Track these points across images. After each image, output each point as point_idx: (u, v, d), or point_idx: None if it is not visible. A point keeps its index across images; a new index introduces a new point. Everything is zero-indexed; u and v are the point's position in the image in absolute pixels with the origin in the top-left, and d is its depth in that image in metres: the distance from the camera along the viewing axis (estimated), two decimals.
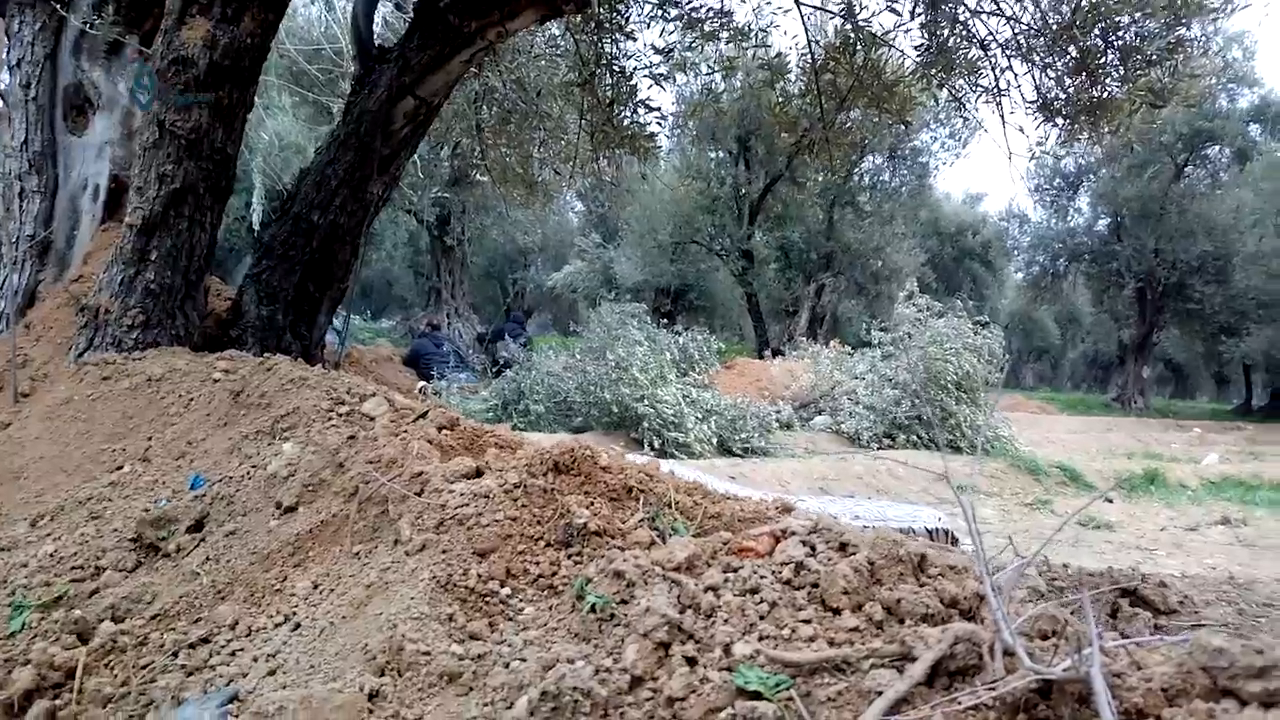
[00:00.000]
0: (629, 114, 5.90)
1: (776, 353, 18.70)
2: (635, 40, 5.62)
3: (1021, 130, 5.61)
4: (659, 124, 5.47)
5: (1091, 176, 22.82)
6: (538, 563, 1.57)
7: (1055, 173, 22.66)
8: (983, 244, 29.38)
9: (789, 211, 19.43)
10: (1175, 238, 20.75)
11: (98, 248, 4.29)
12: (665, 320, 18.77)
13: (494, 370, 13.97)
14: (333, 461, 2.31)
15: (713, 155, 19.53)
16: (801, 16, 5.05)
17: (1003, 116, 5.50)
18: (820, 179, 17.67)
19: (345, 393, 2.68)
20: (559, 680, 1.09)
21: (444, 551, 1.58)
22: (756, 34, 5.40)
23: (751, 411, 12.12)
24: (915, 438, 12.76)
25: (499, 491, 1.69)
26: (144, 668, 1.96)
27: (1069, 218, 24.05)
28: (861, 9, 4.87)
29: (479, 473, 1.85)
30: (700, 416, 11.47)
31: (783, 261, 20.08)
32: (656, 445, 10.63)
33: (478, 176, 7.95)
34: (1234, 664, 1.00)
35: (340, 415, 2.56)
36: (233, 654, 1.73)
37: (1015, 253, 27.17)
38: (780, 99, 5.35)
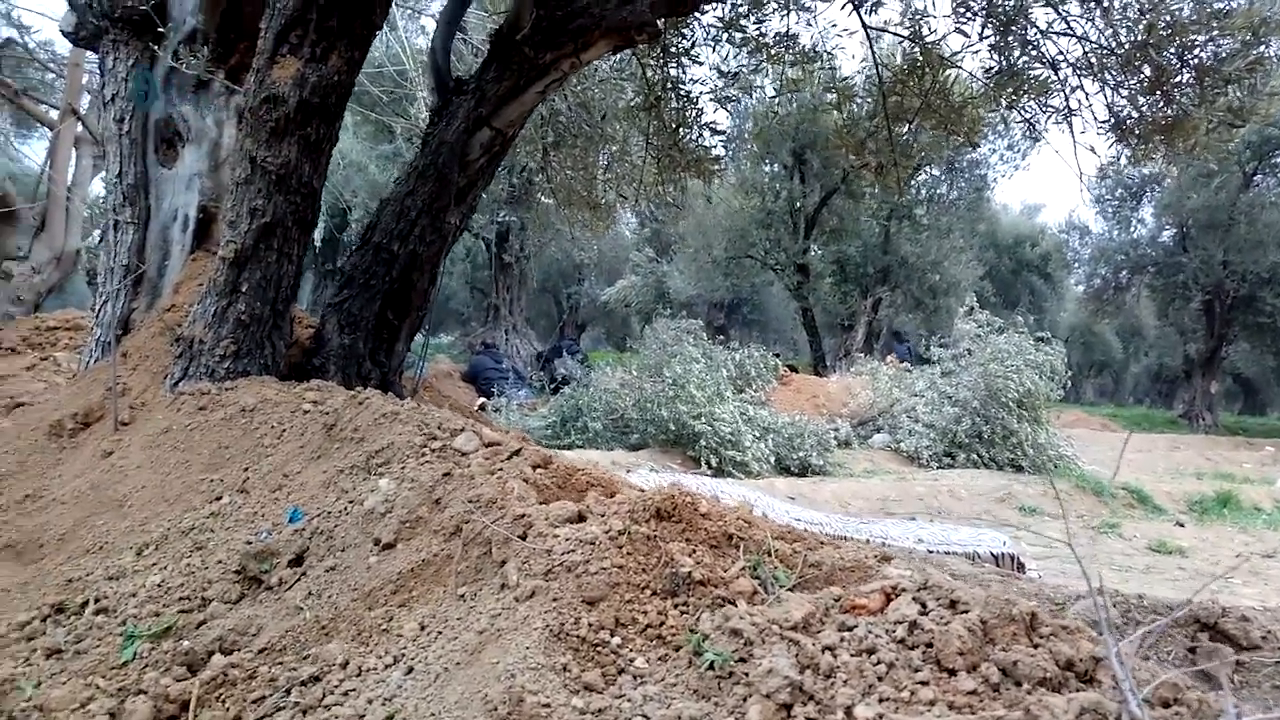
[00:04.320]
0: (694, 137, 5.95)
1: (819, 369, 18.60)
2: (701, 64, 5.67)
3: (1093, 150, 5.53)
4: (724, 145, 5.50)
5: (1155, 187, 22.31)
6: (645, 612, 1.61)
7: (1118, 183, 22.19)
8: (1041, 256, 28.89)
9: (845, 225, 19.32)
10: (1244, 248, 20.17)
11: (187, 277, 4.44)
12: (719, 335, 18.80)
13: (552, 387, 14.13)
14: (429, 499, 2.38)
15: (768, 169, 19.51)
16: (869, 39, 5.06)
17: (1074, 137, 5.43)
18: (877, 192, 17.56)
19: (437, 428, 2.75)
20: None
21: (554, 600, 1.62)
22: (823, 56, 5.42)
23: (809, 429, 12.07)
24: (976, 456, 12.59)
25: (604, 539, 1.73)
26: (254, 701, 2.03)
27: (1132, 229, 23.52)
28: (931, 31, 4.87)
29: (581, 517, 1.90)
30: (758, 435, 11.45)
31: (838, 276, 19.95)
32: (714, 464, 10.64)
33: (542, 199, 8.06)
34: None
35: (433, 451, 2.63)
36: (345, 694, 1.79)
37: (1076, 265, 26.64)
38: (847, 121, 5.35)
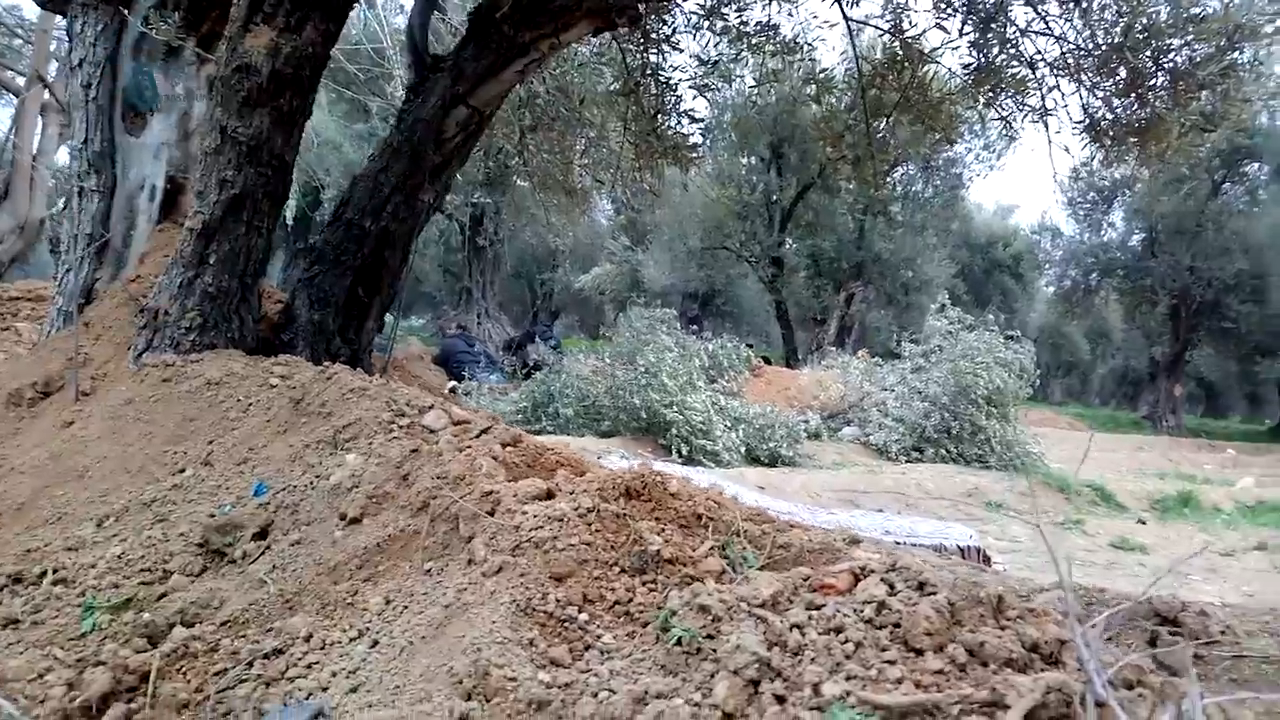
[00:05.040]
0: (672, 124, 5.92)
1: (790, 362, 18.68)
2: (681, 51, 5.64)
3: (1067, 150, 5.59)
4: (702, 135, 5.48)
5: (1126, 191, 22.60)
6: (613, 589, 1.60)
7: (1089, 186, 22.45)
8: (1013, 256, 29.21)
9: (820, 220, 19.40)
10: (1211, 255, 20.51)
11: (153, 248, 4.36)
12: (693, 325, 18.79)
13: (524, 372, 14.07)
14: (396, 474, 2.35)
15: (745, 161, 19.53)
16: (850, 32, 5.05)
17: (1049, 137, 5.47)
18: (853, 187, 17.63)
19: (405, 404, 2.72)
20: (658, 717, 1.12)
21: (521, 575, 1.61)
22: (804, 48, 5.41)
23: (780, 421, 12.12)
24: (944, 452, 12.70)
25: (573, 515, 1.72)
26: (217, 674, 2.00)
27: (1102, 232, 23.84)
28: (912, 25, 4.87)
29: (550, 494, 1.88)
30: (729, 425, 11.48)
31: (812, 270, 20.04)
32: (684, 452, 10.66)
33: (518, 181, 8.00)
34: None
35: (401, 427, 2.60)
36: (309, 667, 1.77)
37: (1047, 266, 26.97)
38: (826, 113, 5.35)
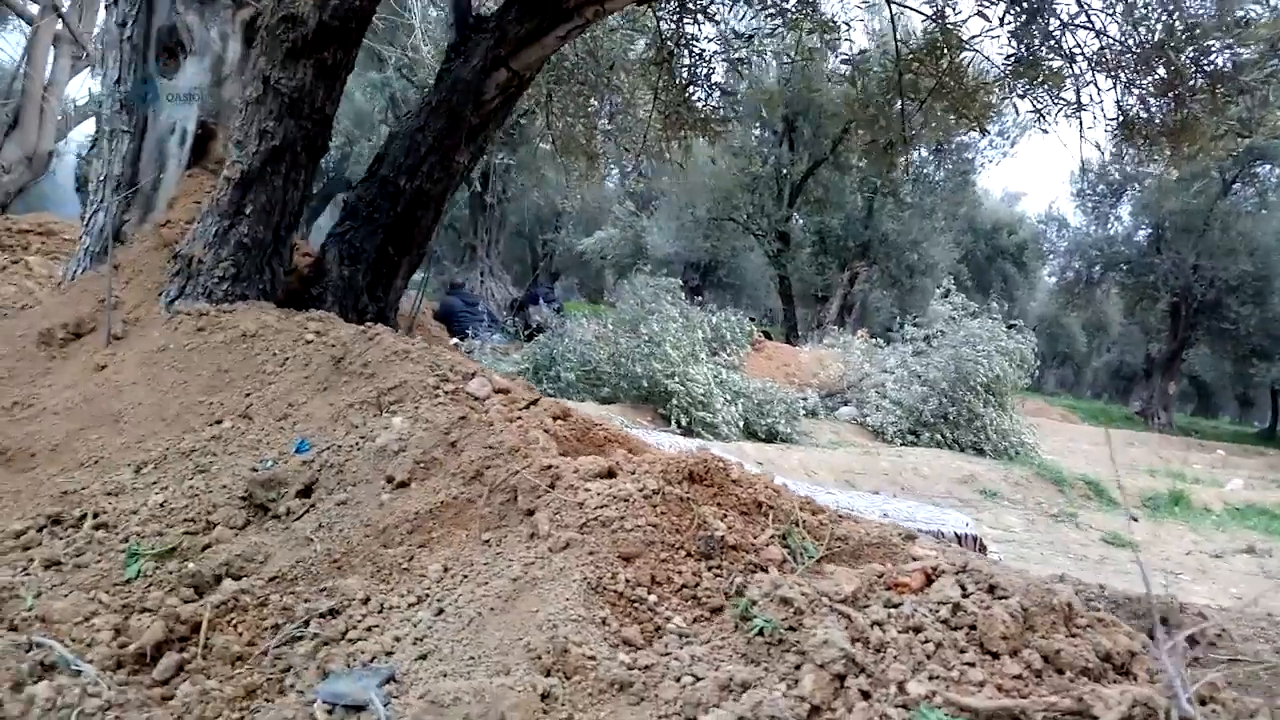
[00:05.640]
0: (703, 96, 5.89)
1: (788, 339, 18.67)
2: (717, 23, 5.59)
3: (1098, 146, 5.57)
4: (734, 109, 5.45)
5: (1136, 186, 22.55)
6: (680, 572, 1.62)
7: (1100, 179, 22.40)
8: (1018, 244, 29.16)
9: (829, 196, 19.31)
10: (1216, 254, 20.54)
11: (183, 193, 4.33)
12: (694, 295, 18.76)
13: (526, 334, 14.05)
14: (444, 440, 2.37)
15: (757, 133, 19.39)
16: (892, 15, 5.01)
17: (1082, 132, 5.46)
18: (864, 165, 17.53)
19: (449, 369, 2.73)
20: (755, 707, 1.14)
21: (590, 553, 1.63)
22: (841, 26, 5.36)
23: (779, 397, 12.17)
24: (940, 436, 12.78)
25: (638, 497, 1.74)
26: (268, 629, 2.03)
27: (1109, 225, 23.81)
28: (956, 11, 4.83)
29: (611, 473, 1.90)
30: (729, 398, 11.52)
31: (818, 246, 19.98)
32: (684, 423, 10.69)
33: (538, 143, 7.94)
34: None
35: (446, 393, 2.61)
36: (368, 629, 1.79)
37: (1051, 256, 26.96)
38: (860, 95, 5.32)
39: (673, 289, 13.11)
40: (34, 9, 11.06)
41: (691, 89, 5.63)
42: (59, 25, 10.76)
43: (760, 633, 1.37)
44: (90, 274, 4.08)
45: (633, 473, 1.88)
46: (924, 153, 19.78)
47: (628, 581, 1.58)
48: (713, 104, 5.79)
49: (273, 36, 3.52)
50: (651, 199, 23.64)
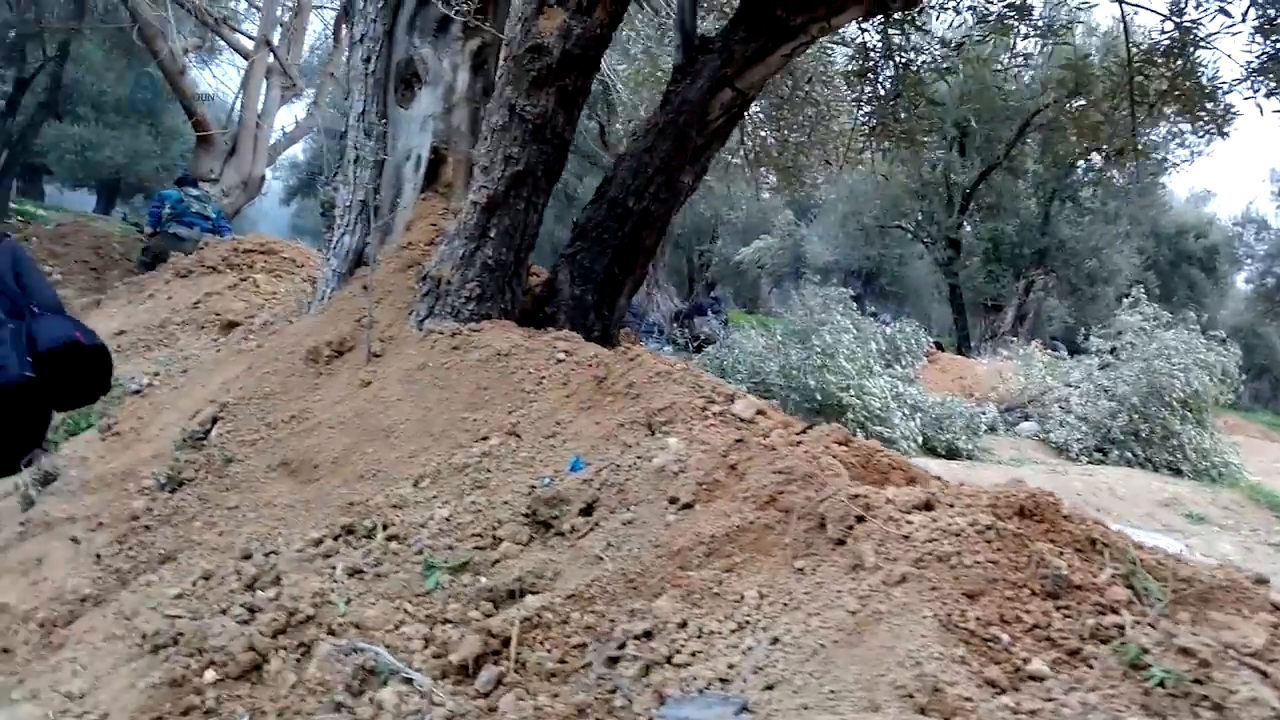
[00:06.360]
0: (907, 107, 5.76)
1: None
2: (927, 32, 5.46)
3: None
4: (940, 119, 5.30)
5: None
6: (1028, 611, 1.58)
7: None
8: (1206, 249, 27.15)
9: (1003, 202, 18.55)
10: None
11: (418, 216, 4.58)
12: (854, 304, 18.36)
13: (694, 346, 14.15)
14: (723, 463, 2.39)
15: (927, 138, 18.83)
16: (1123, 15, 4.76)
17: None
18: (1040, 171, 16.75)
19: (712, 390, 2.77)
20: None
21: (933, 589, 1.61)
22: (1061, 29, 5.14)
23: (958, 411, 11.77)
24: (1130, 455, 12.02)
25: (971, 531, 1.70)
26: (575, 647, 2.10)
27: None
28: (1198, 7, 4.54)
29: (929, 505, 1.87)
30: (906, 412, 11.24)
31: (991, 254, 19.20)
32: (861, 438, 10.48)
33: (732, 160, 7.99)
34: None
35: (714, 414, 2.65)
36: (693, 654, 1.83)
37: (1248, 261, 24.96)
38: (1084, 102, 5.08)
39: (844, 299, 12.91)
40: (249, 44, 12.00)
41: (899, 100, 5.52)
42: (270, 59, 11.64)
43: (1161, 684, 1.31)
44: (343, 294, 4.36)
45: (951, 505, 1.84)
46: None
47: (977, 619, 1.55)
48: (918, 114, 5.66)
49: (519, 66, 3.68)
50: (810, 207, 23.35)
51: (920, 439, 11.11)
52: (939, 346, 16.02)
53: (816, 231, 22.17)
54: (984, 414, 12.77)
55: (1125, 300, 13.58)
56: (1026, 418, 13.68)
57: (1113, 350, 13.17)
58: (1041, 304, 21.63)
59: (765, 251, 24.18)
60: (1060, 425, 12.89)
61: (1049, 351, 16.26)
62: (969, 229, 19.13)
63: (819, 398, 10.94)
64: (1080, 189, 18.59)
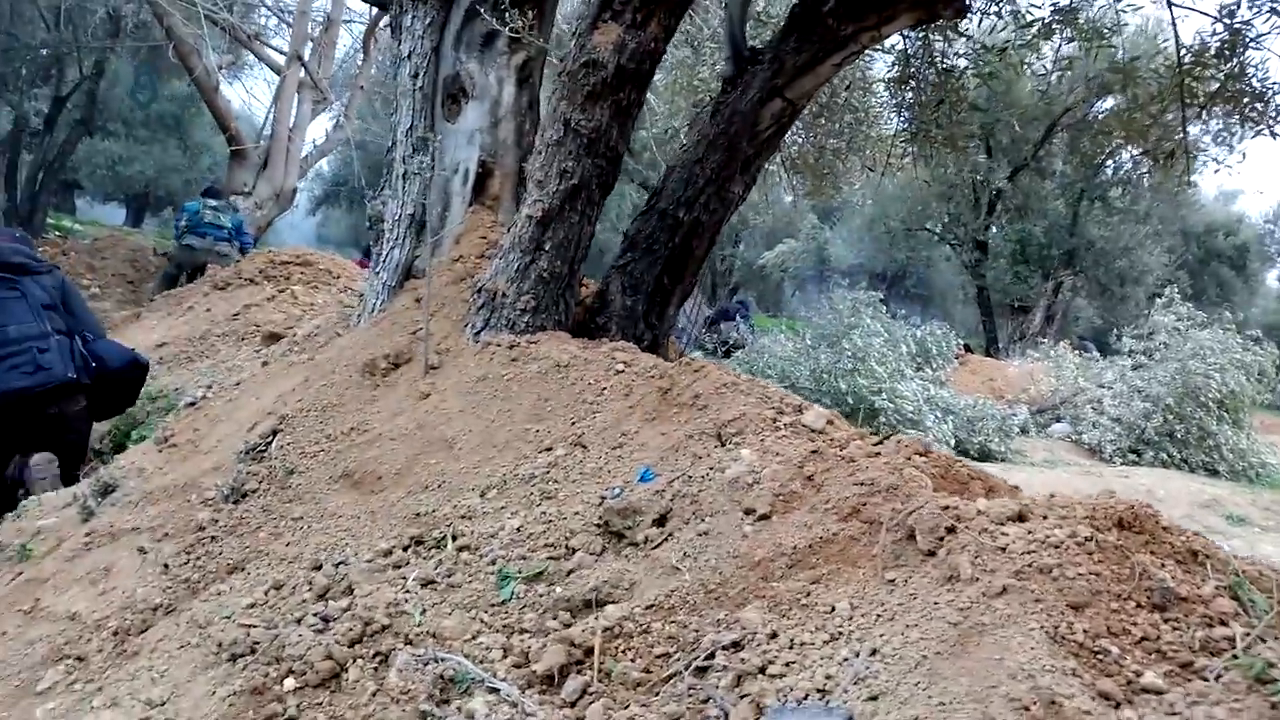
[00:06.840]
0: (948, 112, 5.75)
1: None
2: (969, 38, 5.45)
3: None
4: (982, 124, 5.29)
5: None
6: (1136, 623, 1.58)
7: None
8: (1236, 247, 26.86)
9: (1030, 204, 18.43)
10: None
11: (467, 229, 4.62)
12: (883, 307, 18.30)
13: (722, 351, 14.16)
14: (799, 474, 2.41)
15: (969, 144, 18.77)
16: (1172, 17, 4.74)
17: None
18: (1069, 171, 16.62)
19: (780, 401, 2.78)
20: None
21: (1037, 600, 1.61)
22: (1106, 32, 5.11)
23: (990, 413, 11.71)
24: (1165, 456, 11.91)
25: (1071, 543, 1.71)
26: (659, 657, 2.12)
27: None
28: (1253, 8, 4.51)
29: (1022, 517, 1.88)
30: (939, 415, 11.19)
31: (1018, 255, 19.09)
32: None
33: (767, 166, 7.99)
34: None
35: (786, 425, 2.66)
36: (787, 665, 1.84)
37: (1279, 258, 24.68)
38: (1130, 104, 5.06)
39: (873, 302, 12.87)
40: (279, 59, 12.13)
41: (941, 106, 5.51)
42: (301, 73, 11.77)
43: None
44: (395, 307, 4.41)
45: (1045, 517, 1.85)
46: (1135, 151, 18.56)
47: (1085, 632, 1.55)
48: (959, 119, 5.65)
49: (573, 80, 3.71)
50: (834, 210, 23.29)
51: (953, 441, 11.07)
52: (968, 349, 15.94)
53: (840, 235, 22.11)
54: (1015, 416, 12.70)
55: (1158, 300, 13.49)
56: (1059, 419, 13.59)
57: (1145, 351, 13.08)
58: (1069, 305, 21.46)
59: (788, 255, 24.13)
60: (1093, 426, 12.80)
61: (1079, 352, 16.15)
62: (995, 231, 19.02)
63: (850, 401, 10.92)
64: (1109, 189, 18.44)
